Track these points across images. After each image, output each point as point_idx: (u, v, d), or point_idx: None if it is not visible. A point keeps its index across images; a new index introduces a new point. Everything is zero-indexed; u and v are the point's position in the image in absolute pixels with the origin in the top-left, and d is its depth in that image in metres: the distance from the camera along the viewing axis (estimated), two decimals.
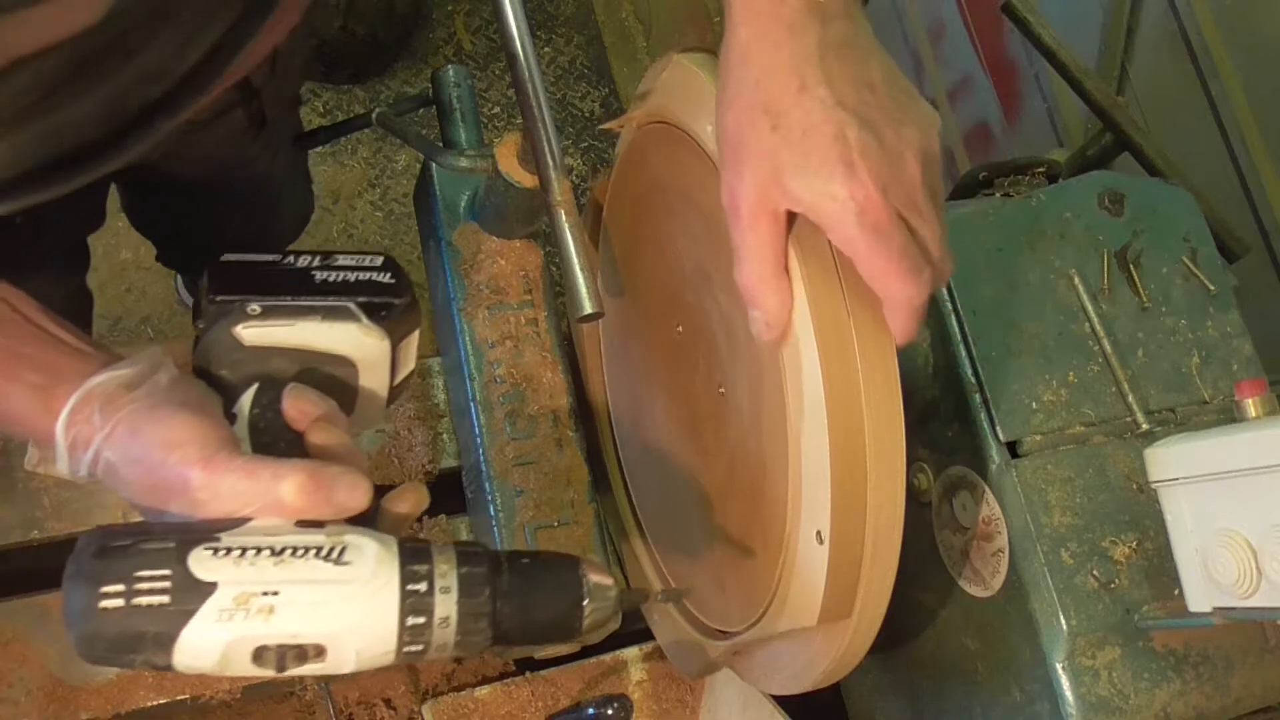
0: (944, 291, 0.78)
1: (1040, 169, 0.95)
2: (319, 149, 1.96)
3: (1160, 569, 0.73)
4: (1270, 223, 1.26)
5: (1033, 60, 1.57)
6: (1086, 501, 0.74)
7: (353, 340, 0.60)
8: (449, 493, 0.94)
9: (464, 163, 0.85)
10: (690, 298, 0.74)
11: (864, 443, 0.59)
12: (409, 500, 0.59)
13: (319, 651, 0.52)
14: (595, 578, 0.58)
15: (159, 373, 0.55)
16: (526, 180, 0.80)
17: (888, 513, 0.60)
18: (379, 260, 0.63)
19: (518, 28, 0.71)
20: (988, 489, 0.74)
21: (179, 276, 1.80)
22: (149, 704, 0.84)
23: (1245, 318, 0.81)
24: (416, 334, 0.63)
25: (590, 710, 0.82)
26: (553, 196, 0.70)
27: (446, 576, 0.54)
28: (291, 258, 0.61)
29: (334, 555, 0.52)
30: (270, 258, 0.61)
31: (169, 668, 0.51)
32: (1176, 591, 0.68)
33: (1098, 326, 0.77)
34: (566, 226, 0.69)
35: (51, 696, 0.82)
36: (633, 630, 0.92)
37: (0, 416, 0.55)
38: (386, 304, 0.61)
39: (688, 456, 0.79)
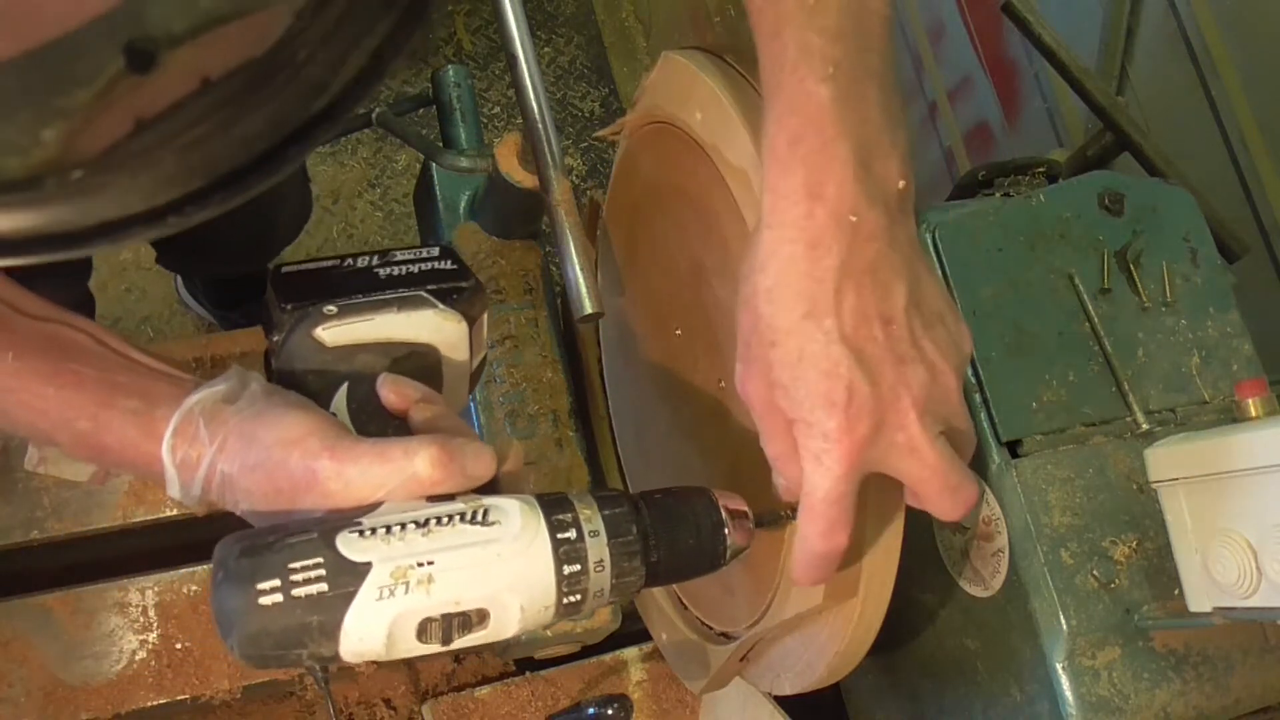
0: None
1: (1040, 169, 0.95)
2: (319, 149, 1.96)
3: (1160, 569, 0.73)
4: (1270, 223, 1.26)
5: (1033, 60, 1.57)
6: (1086, 501, 0.74)
7: (431, 326, 0.60)
8: None
9: (464, 163, 0.85)
10: (688, 297, 0.74)
11: None
12: (513, 457, 0.59)
13: (482, 617, 0.52)
14: (730, 504, 0.59)
15: (252, 384, 0.54)
16: (526, 180, 0.80)
17: (890, 482, 0.60)
18: (435, 250, 0.64)
19: (518, 28, 0.71)
20: (988, 489, 0.74)
21: (179, 277, 1.80)
22: (149, 704, 0.84)
23: (1245, 318, 0.81)
24: (486, 315, 0.64)
25: (590, 710, 0.82)
26: (553, 196, 0.70)
27: (592, 521, 0.54)
28: (351, 260, 0.62)
29: (479, 518, 0.52)
30: (330, 262, 0.61)
31: (336, 658, 0.50)
32: (1176, 591, 0.68)
33: (1098, 326, 0.77)
34: (566, 226, 0.69)
35: (51, 696, 0.82)
36: (632, 630, 0.92)
37: (105, 449, 0.54)
38: (456, 288, 0.61)
39: (689, 457, 0.79)
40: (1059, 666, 0.71)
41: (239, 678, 0.85)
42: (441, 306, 0.60)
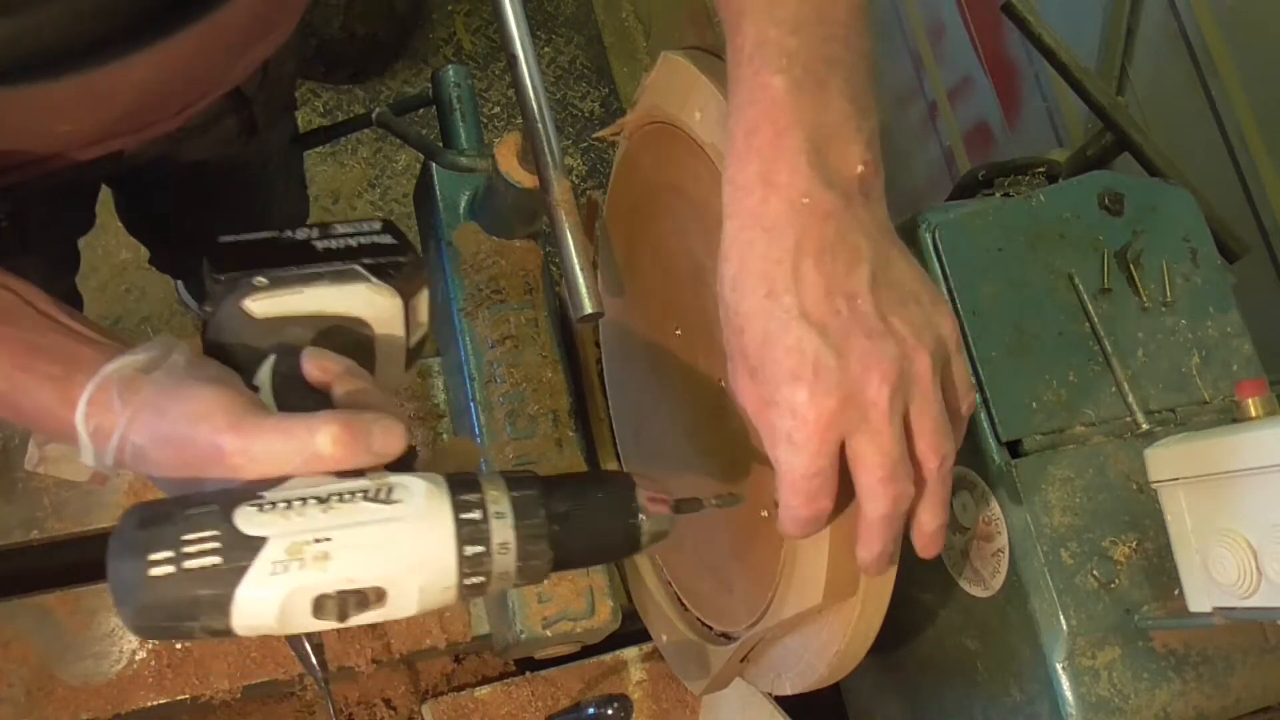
0: (944, 291, 0.78)
1: (1040, 169, 0.95)
2: (319, 149, 1.96)
3: (1160, 569, 0.73)
4: (1270, 223, 1.26)
5: (1033, 60, 1.57)
6: (1086, 501, 0.74)
7: (364, 300, 0.59)
8: None
9: (464, 163, 0.85)
10: (688, 296, 0.74)
11: None
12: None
13: (379, 595, 0.51)
14: (648, 489, 0.58)
15: (174, 354, 0.54)
16: (526, 180, 0.80)
17: None
18: (377, 225, 0.63)
19: (518, 28, 0.71)
20: (988, 489, 0.74)
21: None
22: (149, 704, 0.84)
23: (1245, 318, 0.81)
24: (426, 292, 0.63)
25: (590, 710, 0.82)
26: (553, 196, 0.70)
27: (499, 502, 0.53)
28: (290, 232, 0.61)
29: (381, 495, 0.51)
30: (269, 234, 0.61)
31: (228, 631, 0.50)
32: (1176, 591, 0.68)
33: (1098, 326, 0.77)
34: (566, 226, 0.69)
35: (52, 696, 0.82)
36: (632, 630, 0.92)
37: (21, 412, 0.55)
38: (393, 263, 0.60)
39: (689, 458, 0.79)
40: (1059, 666, 0.71)
41: (239, 678, 0.85)
42: (375, 281, 0.59)
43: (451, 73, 0.98)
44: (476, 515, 0.53)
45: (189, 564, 0.48)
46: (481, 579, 0.53)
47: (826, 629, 0.67)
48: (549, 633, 0.83)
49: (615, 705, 0.81)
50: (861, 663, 0.67)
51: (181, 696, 0.84)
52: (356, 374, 0.57)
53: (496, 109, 2.13)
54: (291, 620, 0.50)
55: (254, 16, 0.74)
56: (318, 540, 0.50)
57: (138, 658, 0.84)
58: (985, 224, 0.79)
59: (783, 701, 0.84)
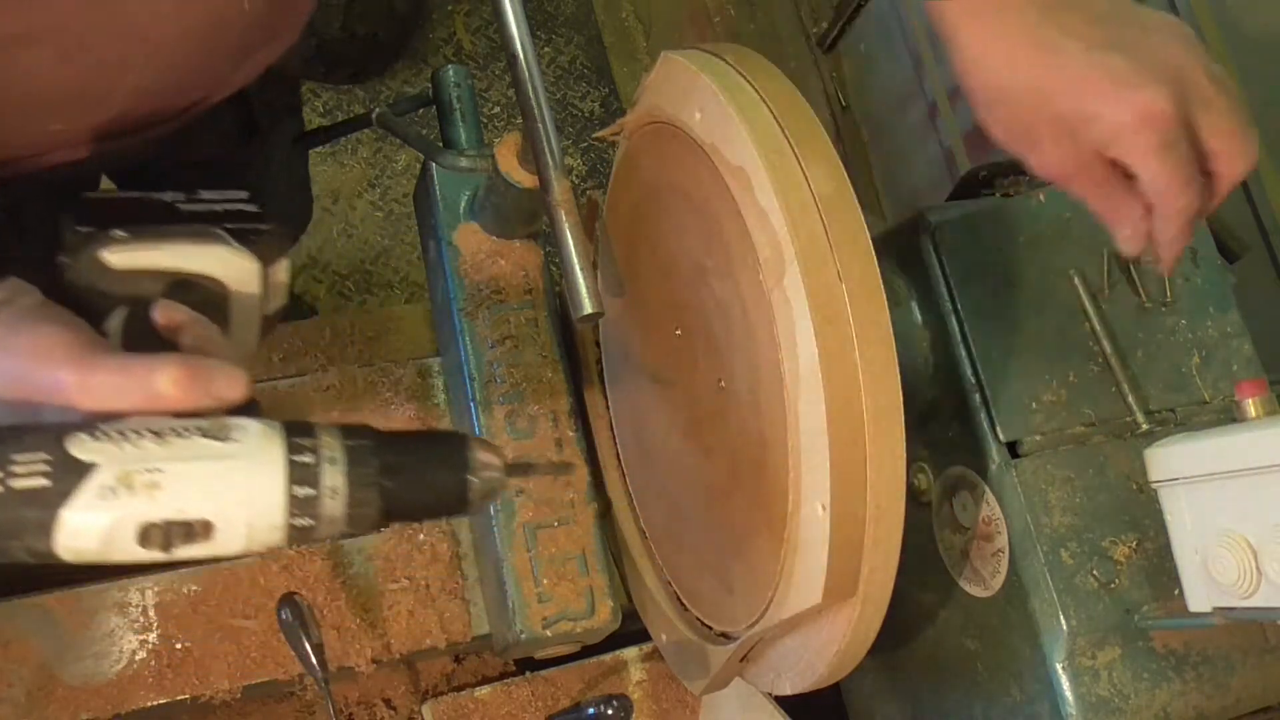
0: (944, 291, 0.78)
1: None
2: (319, 149, 1.96)
3: (1160, 569, 0.73)
4: (1270, 223, 1.26)
5: None
6: (1086, 501, 0.74)
7: (221, 262, 0.61)
8: None
9: (464, 163, 0.85)
10: (688, 296, 0.74)
11: (860, 401, 0.60)
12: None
13: (207, 529, 0.52)
14: (480, 450, 0.59)
15: (23, 296, 0.55)
16: (526, 180, 0.80)
17: (889, 472, 0.60)
18: (242, 194, 0.65)
19: (518, 28, 0.71)
20: (988, 489, 0.74)
21: None
22: (149, 704, 0.84)
23: (1245, 318, 0.81)
24: (286, 262, 0.65)
25: (590, 710, 0.82)
26: (553, 196, 0.70)
27: (332, 449, 0.55)
28: (156, 194, 0.63)
29: (216, 433, 0.53)
30: (134, 194, 0.63)
31: (50, 553, 0.51)
32: (1176, 591, 0.68)
33: (1098, 326, 0.77)
34: (566, 226, 0.69)
35: (51, 696, 0.82)
36: (632, 630, 0.92)
37: None
38: (254, 230, 0.63)
39: (690, 458, 0.79)
40: (1059, 666, 0.71)
41: (239, 678, 0.85)
42: (234, 245, 0.61)
43: (451, 73, 0.98)
44: (309, 459, 0.54)
45: (16, 483, 0.50)
46: (310, 521, 0.54)
47: (826, 629, 0.67)
48: (549, 633, 0.83)
49: (615, 705, 0.81)
50: (861, 663, 0.67)
51: (181, 696, 0.84)
52: (205, 326, 0.59)
53: (496, 109, 2.13)
54: (115, 547, 0.51)
55: (257, 24, 0.74)
56: (149, 470, 0.51)
57: (138, 658, 0.84)
58: (985, 224, 0.79)
59: (783, 701, 0.84)
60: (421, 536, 0.91)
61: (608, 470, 0.94)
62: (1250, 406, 0.66)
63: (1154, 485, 0.68)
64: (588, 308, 0.68)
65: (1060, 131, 0.58)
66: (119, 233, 0.58)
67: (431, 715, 0.93)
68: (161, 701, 0.84)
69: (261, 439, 0.53)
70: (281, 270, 0.65)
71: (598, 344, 0.95)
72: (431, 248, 0.94)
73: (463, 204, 0.91)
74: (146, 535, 0.51)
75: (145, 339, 0.57)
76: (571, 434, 0.88)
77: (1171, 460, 0.66)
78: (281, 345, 1.00)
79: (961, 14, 0.59)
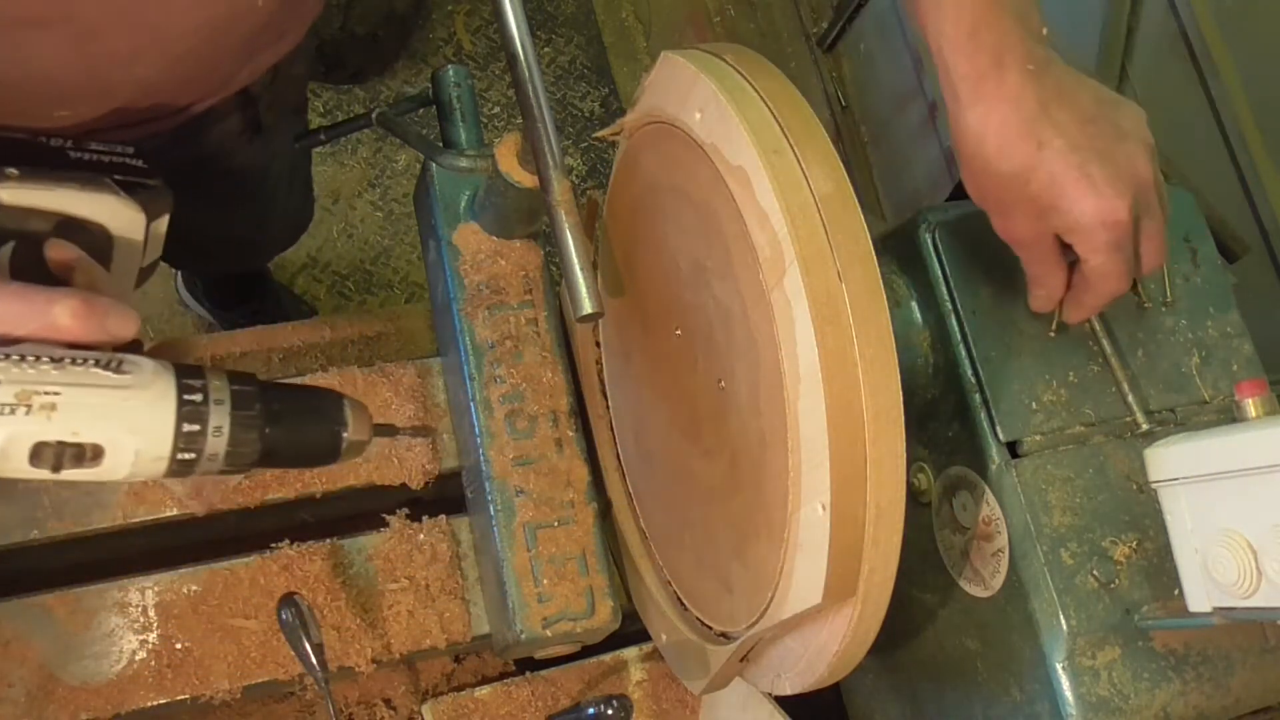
0: (944, 291, 0.78)
1: None
2: (319, 149, 1.96)
3: (1160, 569, 0.73)
4: (1270, 223, 1.26)
5: None
6: (1086, 501, 0.74)
7: (109, 209, 0.64)
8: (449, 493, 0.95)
9: (464, 163, 0.85)
10: (688, 296, 0.74)
11: (860, 401, 0.60)
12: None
13: (97, 453, 0.56)
14: (352, 408, 0.65)
15: None
16: (526, 180, 0.80)
17: (889, 472, 0.60)
18: (130, 149, 0.69)
19: (518, 28, 0.71)
20: (988, 489, 0.74)
21: (179, 276, 1.80)
22: (149, 704, 0.84)
23: (1245, 318, 0.81)
24: (167, 218, 0.69)
25: (590, 710, 0.82)
26: (553, 196, 0.70)
27: (220, 391, 0.60)
28: (45, 139, 0.67)
29: (113, 365, 0.56)
30: (24, 137, 0.66)
31: None
32: (1176, 591, 0.68)
33: (1098, 326, 0.77)
34: (566, 226, 0.69)
35: (52, 696, 0.82)
36: (632, 630, 0.92)
37: None
38: (141, 184, 0.66)
39: (689, 458, 0.79)
40: (1059, 666, 0.71)
41: (239, 678, 0.85)
42: (123, 194, 0.64)
43: (451, 73, 0.98)
44: (198, 398, 0.59)
45: None
46: (192, 455, 0.59)
47: (826, 629, 0.67)
48: (549, 633, 0.83)
49: (615, 705, 0.81)
50: (861, 663, 0.67)
51: (181, 696, 0.84)
52: (94, 267, 0.62)
53: (496, 109, 2.12)
54: (7, 463, 0.54)
55: (266, 22, 0.74)
56: (47, 392, 0.54)
57: (138, 658, 0.84)
58: (985, 224, 0.78)
59: (783, 701, 0.84)
60: (421, 537, 0.91)
61: (608, 470, 0.94)
62: (1250, 406, 0.66)
63: (1154, 485, 0.68)
64: (588, 308, 0.68)
65: (1031, 210, 0.67)
66: (12, 170, 0.61)
67: (431, 715, 0.93)
68: (161, 701, 0.84)
69: (155, 374, 0.58)
70: (162, 224, 0.68)
71: (598, 344, 0.95)
72: (431, 248, 0.94)
73: (463, 204, 0.91)
74: (38, 454, 0.55)
75: (32, 272, 0.59)
76: (571, 434, 0.88)
77: (1171, 460, 0.66)
78: (281, 345, 1.00)
79: (969, 92, 0.66)
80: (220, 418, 0.59)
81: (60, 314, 0.54)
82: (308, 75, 1.12)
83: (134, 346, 0.60)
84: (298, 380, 0.93)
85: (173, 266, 1.72)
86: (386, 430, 0.69)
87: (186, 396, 0.58)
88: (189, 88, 0.79)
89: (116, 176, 0.65)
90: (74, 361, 0.55)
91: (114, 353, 0.57)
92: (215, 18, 0.69)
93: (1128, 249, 0.66)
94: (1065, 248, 0.69)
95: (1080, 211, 0.65)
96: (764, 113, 0.64)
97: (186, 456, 0.58)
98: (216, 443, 0.59)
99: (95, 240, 0.64)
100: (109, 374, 0.56)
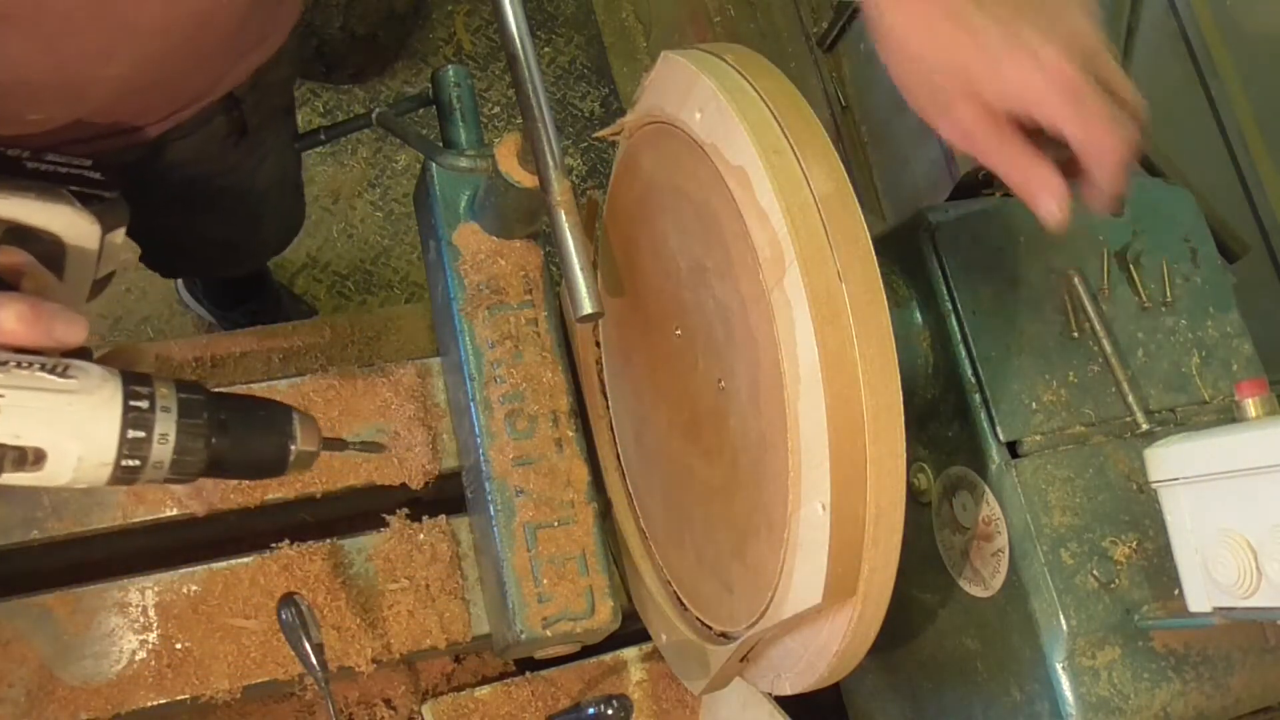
0: (944, 291, 0.78)
1: None
2: (319, 149, 1.96)
3: (1160, 569, 0.73)
4: (1270, 223, 1.26)
5: None
6: (1086, 501, 0.74)
7: (65, 220, 0.64)
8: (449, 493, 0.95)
9: (464, 163, 0.85)
10: (687, 296, 0.74)
11: (860, 401, 0.60)
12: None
13: (39, 457, 0.56)
14: (301, 421, 0.64)
15: None
16: (526, 180, 0.80)
17: (889, 472, 0.60)
18: (88, 161, 0.69)
19: (518, 28, 0.71)
20: (988, 489, 0.74)
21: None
22: (149, 704, 0.84)
23: (1245, 318, 0.81)
24: (123, 230, 0.69)
25: (590, 710, 0.82)
26: (553, 196, 0.70)
27: (167, 399, 0.59)
28: (3, 149, 0.67)
29: (58, 370, 0.56)
30: None
31: None
32: (1176, 591, 0.68)
33: (1098, 326, 0.77)
34: (566, 226, 0.69)
35: (52, 696, 0.82)
36: (632, 630, 0.92)
37: None
38: (98, 196, 0.66)
39: (689, 458, 0.79)
40: (1059, 666, 0.71)
41: (239, 678, 0.85)
42: (78, 206, 0.64)
43: (451, 73, 0.98)
44: (144, 404, 0.59)
45: None
46: (137, 462, 0.59)
47: (826, 629, 0.67)
48: (549, 633, 0.83)
49: (615, 705, 0.81)
50: (861, 663, 0.67)
51: (181, 696, 0.84)
52: (45, 274, 0.62)
53: (496, 109, 2.12)
54: None
55: (244, 24, 0.74)
56: None
57: (138, 658, 0.84)
58: (985, 224, 0.79)
59: (783, 701, 0.84)
60: (421, 536, 0.91)
61: (608, 470, 0.94)
62: (1250, 406, 0.66)
63: (1154, 485, 0.68)
64: (588, 308, 0.68)
65: (971, 96, 0.62)
66: None
67: (431, 715, 0.93)
68: (161, 701, 0.84)
69: (101, 380, 0.58)
70: (119, 236, 0.68)
71: (598, 344, 0.95)
72: (431, 248, 0.94)
73: (463, 204, 0.91)
74: None
75: None
76: (571, 434, 0.88)
77: (1171, 460, 0.66)
78: (281, 345, 1.00)
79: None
80: (166, 425, 0.59)
81: (6, 317, 0.54)
82: (294, 77, 1.12)
83: (82, 353, 0.59)
84: (298, 380, 0.93)
85: (169, 275, 1.71)
86: (336, 444, 0.69)
87: (133, 403, 0.58)
88: (168, 90, 0.79)
89: (73, 188, 0.65)
90: (19, 365, 0.55)
91: (61, 358, 0.57)
92: (187, 15, 0.69)
93: (1095, 101, 0.60)
94: (1047, 145, 0.63)
95: (1024, 77, 0.60)
96: (764, 112, 0.64)
97: (131, 463, 0.58)
98: (162, 450, 0.59)
99: (48, 249, 0.64)
100: (54, 378, 0.56)
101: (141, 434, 0.58)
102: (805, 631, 0.69)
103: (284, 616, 0.79)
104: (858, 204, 0.62)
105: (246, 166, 1.07)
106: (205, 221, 1.13)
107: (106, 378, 0.58)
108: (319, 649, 0.79)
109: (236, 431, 0.62)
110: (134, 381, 0.59)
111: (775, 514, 0.66)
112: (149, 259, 1.45)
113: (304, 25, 1.85)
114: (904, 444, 0.61)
